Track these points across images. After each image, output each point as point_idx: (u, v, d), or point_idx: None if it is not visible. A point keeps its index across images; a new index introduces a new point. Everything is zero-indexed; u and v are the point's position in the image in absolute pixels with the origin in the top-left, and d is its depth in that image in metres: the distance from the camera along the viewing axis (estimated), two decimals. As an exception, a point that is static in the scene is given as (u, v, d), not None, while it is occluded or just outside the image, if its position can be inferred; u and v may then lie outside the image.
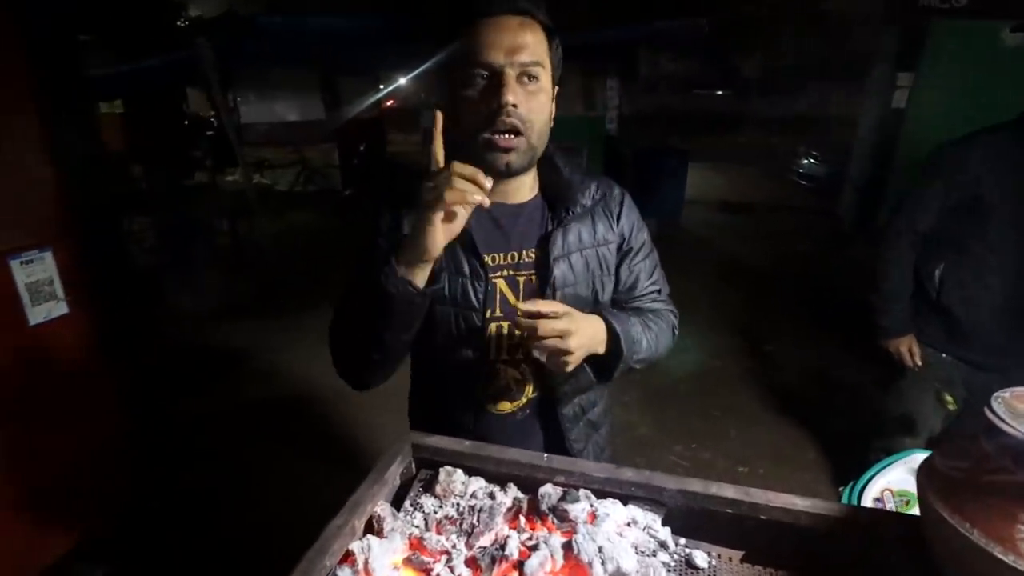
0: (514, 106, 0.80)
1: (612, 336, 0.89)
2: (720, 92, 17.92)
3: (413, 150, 11.98)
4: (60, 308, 1.74)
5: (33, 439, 1.74)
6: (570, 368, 0.83)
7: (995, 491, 0.53)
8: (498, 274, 0.92)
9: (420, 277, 0.79)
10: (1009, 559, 0.49)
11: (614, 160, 7.07)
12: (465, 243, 0.89)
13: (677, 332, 1.05)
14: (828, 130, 9.69)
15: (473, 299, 0.90)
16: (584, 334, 0.84)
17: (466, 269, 0.90)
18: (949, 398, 1.85)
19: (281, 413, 3.15)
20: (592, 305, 0.96)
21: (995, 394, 0.59)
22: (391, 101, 14.24)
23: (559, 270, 0.91)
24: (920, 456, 1.61)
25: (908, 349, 1.87)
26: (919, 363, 1.85)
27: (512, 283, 0.93)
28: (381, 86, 10.99)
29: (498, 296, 0.92)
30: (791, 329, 4.04)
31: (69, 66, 1.91)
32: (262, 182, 8.58)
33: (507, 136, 0.82)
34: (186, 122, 8.77)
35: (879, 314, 1.89)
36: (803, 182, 9.03)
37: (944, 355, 1.84)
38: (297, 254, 6.15)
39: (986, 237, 1.68)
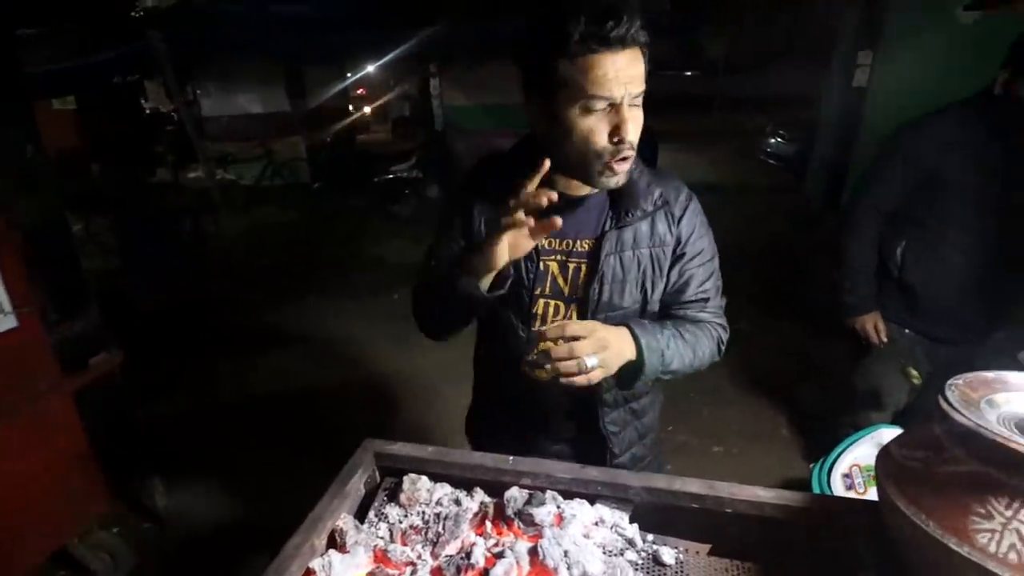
0: (631, 139, 0.85)
1: (638, 347, 0.89)
2: (688, 73, 17.97)
3: (384, 139, 11.76)
4: (8, 322, 1.66)
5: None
6: (599, 377, 0.84)
7: (948, 481, 0.53)
8: (551, 257, 0.99)
9: (485, 282, 0.87)
10: (964, 550, 0.49)
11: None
12: None
13: (724, 348, 1.04)
14: (796, 109, 9.79)
15: (524, 278, 0.97)
16: (612, 347, 0.84)
17: None
18: (914, 373, 1.89)
19: (257, 412, 3.10)
20: (641, 303, 1.00)
21: (949, 381, 0.59)
22: (359, 91, 13.96)
23: (608, 266, 0.96)
24: (886, 431, 1.65)
25: (873, 326, 1.90)
26: (884, 339, 1.89)
27: (563, 267, 0.99)
28: (348, 75, 10.72)
29: (549, 277, 0.99)
30: (761, 308, 4.09)
31: (3, 60, 1.81)
32: (226, 177, 8.32)
33: (621, 161, 0.87)
34: (144, 117, 8.45)
35: (844, 292, 1.93)
36: (771, 161, 9.10)
37: (907, 331, 1.89)
38: (266, 251, 6.01)
39: (944, 214, 1.71)
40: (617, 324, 0.90)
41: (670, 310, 1.03)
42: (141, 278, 4.56)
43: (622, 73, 0.80)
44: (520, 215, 0.78)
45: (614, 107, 0.83)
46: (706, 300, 1.02)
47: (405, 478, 0.84)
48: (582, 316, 0.97)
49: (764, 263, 5.06)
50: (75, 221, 4.69)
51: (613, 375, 0.87)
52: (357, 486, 0.84)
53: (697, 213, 1.03)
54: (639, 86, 0.83)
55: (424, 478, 0.85)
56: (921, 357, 1.90)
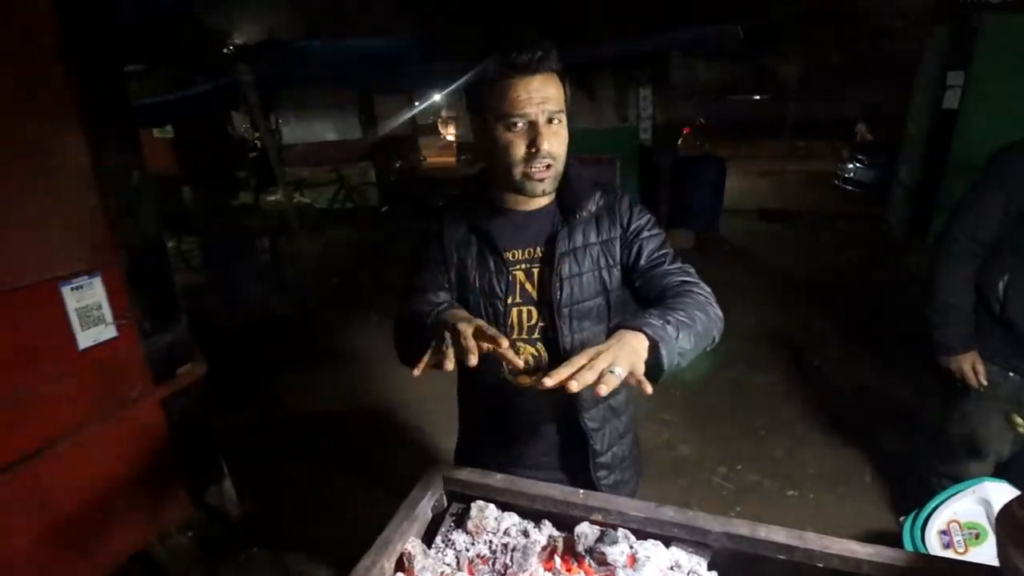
0: (547, 149, 0.96)
1: (642, 333, 0.84)
2: (757, 97, 17.52)
3: (445, 164, 12.13)
4: (109, 332, 1.80)
5: (84, 459, 1.79)
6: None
7: (1094, 553, 0.47)
8: (517, 267, 1.08)
9: None
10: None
11: (649, 171, 6.96)
12: (491, 244, 1.07)
13: (716, 306, 1.01)
14: (874, 133, 9.32)
15: (497, 289, 1.07)
16: (625, 346, 0.80)
17: (491, 265, 1.08)
18: (1019, 420, 1.71)
19: (324, 427, 3.20)
20: (603, 295, 1.09)
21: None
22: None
23: (565, 264, 1.06)
24: (991, 485, 1.49)
25: (971, 367, 1.74)
26: (984, 382, 1.73)
27: (528, 274, 1.09)
28: (415, 104, 11.18)
29: (518, 285, 1.08)
30: (840, 343, 3.85)
31: (116, 95, 1.98)
32: (302, 200, 8.80)
33: (542, 169, 0.98)
34: (231, 145, 9.12)
35: (938, 330, 1.78)
36: (849, 187, 8.70)
37: (1011, 373, 1.71)
38: (336, 271, 6.27)
39: None
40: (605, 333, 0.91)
41: (636, 285, 1.07)
42: (222, 294, 4.87)
43: (535, 95, 0.93)
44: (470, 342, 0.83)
45: (532, 124, 0.95)
46: (663, 260, 1.06)
47: (473, 505, 0.83)
48: (550, 315, 1.05)
49: (842, 295, 4.78)
50: (168, 240, 5.09)
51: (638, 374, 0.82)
52: (425, 510, 0.84)
53: (634, 203, 1.12)
54: (555, 105, 0.96)
55: (492, 506, 0.84)
56: (1029, 403, 1.72)
